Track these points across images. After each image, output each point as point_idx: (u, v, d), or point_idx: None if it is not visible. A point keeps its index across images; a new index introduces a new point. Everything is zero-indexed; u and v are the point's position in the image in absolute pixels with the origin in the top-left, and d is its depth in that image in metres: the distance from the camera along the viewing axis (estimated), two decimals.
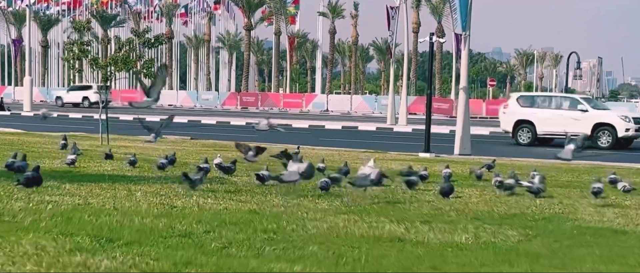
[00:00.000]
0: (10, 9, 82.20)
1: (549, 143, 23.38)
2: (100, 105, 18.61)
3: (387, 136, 28.42)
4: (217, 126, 34.27)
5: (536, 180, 9.45)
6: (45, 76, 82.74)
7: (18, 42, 74.27)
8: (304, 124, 33.18)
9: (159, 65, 11.09)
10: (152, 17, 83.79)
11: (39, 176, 7.61)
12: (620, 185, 9.67)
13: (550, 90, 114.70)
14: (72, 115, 35.91)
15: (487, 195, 9.48)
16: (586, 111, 23.70)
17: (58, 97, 56.27)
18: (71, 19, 79.79)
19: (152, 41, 19.47)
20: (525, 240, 6.16)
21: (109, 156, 12.10)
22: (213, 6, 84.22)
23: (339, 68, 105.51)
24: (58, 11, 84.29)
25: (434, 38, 25.96)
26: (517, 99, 25.87)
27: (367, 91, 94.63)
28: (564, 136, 11.86)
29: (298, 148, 15.31)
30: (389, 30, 42.95)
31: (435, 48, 57.03)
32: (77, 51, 19.44)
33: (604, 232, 6.70)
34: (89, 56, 19.42)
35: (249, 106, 59.54)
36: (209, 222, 6.31)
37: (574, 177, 12.69)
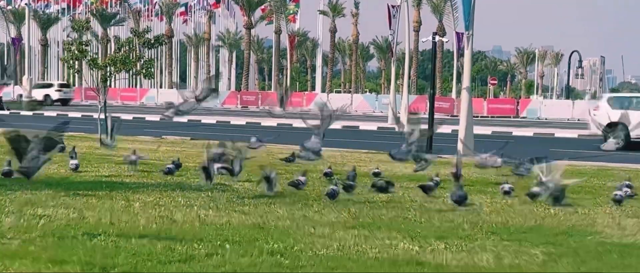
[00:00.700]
0: (10, 7, 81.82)
1: None
2: (100, 105, 18.25)
3: (389, 136, 28.07)
4: (217, 125, 33.92)
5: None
6: (45, 74, 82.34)
7: (17, 40, 73.90)
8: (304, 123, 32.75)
9: (208, 76, 10.71)
10: (152, 16, 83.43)
11: None
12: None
13: (551, 89, 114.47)
14: (71, 114, 35.56)
15: (497, 202, 9.15)
16: None
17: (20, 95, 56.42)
18: (71, 17, 79.48)
19: (152, 41, 19.13)
20: (549, 260, 5.78)
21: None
22: (213, 4, 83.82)
23: (339, 66, 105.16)
24: (57, 10, 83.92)
25: (437, 38, 25.67)
26: (608, 100, 24.25)
27: (368, 90, 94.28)
28: None
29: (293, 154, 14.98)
30: (390, 29, 42.63)
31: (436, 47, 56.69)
32: (75, 51, 19.13)
33: (630, 251, 6.34)
34: (88, 56, 19.11)
35: (249, 105, 59.15)
36: (211, 241, 5.88)
37: (583, 181, 12.33)
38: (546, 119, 45.68)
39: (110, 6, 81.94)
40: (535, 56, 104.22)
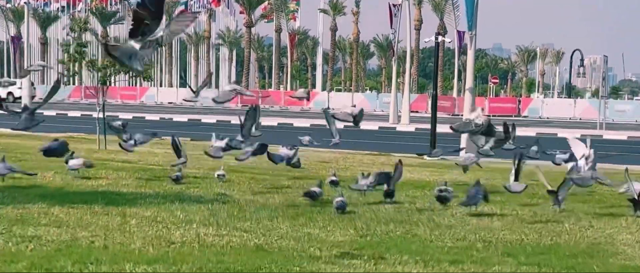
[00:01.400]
0: (9, 5, 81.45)
1: None
2: (98, 108, 17.93)
3: (390, 136, 27.74)
4: (218, 125, 33.57)
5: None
6: (44, 72, 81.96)
7: (17, 39, 73.51)
8: (305, 123, 32.47)
9: (250, 108, 10.35)
10: None
11: None
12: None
13: (552, 87, 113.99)
14: (70, 114, 35.23)
15: (507, 214, 8.81)
16: None
17: None
18: (70, 15, 79.11)
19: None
20: None
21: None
22: (213, 2, 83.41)
23: (340, 65, 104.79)
24: (57, 8, 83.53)
25: (440, 38, 25.34)
26: None
27: (368, 88, 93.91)
28: None
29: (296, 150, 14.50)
30: (391, 28, 42.39)
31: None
32: (74, 53, 18.89)
33: None
34: (86, 58, 18.83)
35: (250, 103, 58.71)
36: (212, 269, 5.52)
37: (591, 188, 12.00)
38: (548, 118, 45.38)
39: (110, 4, 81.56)
40: (536, 54, 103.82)
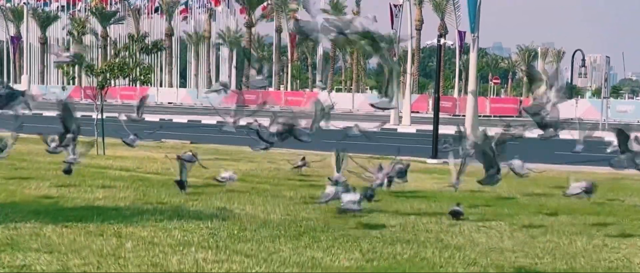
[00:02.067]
0: (9, 5, 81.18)
1: None
2: (96, 112, 17.65)
3: (391, 138, 27.42)
4: (218, 127, 33.27)
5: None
6: (44, 73, 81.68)
7: (16, 39, 73.34)
8: (306, 123, 32.05)
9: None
10: (152, 13, 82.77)
11: None
12: None
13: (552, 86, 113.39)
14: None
15: (516, 230, 8.52)
16: None
17: None
18: (70, 15, 78.84)
19: (150, 46, 18.51)
20: None
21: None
22: (213, 1, 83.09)
23: (340, 63, 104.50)
24: (57, 7, 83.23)
25: (442, 40, 25.06)
26: None
27: (368, 87, 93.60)
28: None
29: (303, 158, 14.24)
30: (392, 28, 42.16)
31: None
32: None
33: None
34: (84, 63, 18.56)
35: (250, 104, 58.40)
36: None
37: (599, 195, 11.72)
38: (549, 118, 45.02)
39: (110, 4, 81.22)
40: (537, 53, 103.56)
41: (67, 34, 63.14)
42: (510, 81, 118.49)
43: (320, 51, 79.42)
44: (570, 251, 7.47)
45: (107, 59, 18.12)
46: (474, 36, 21.29)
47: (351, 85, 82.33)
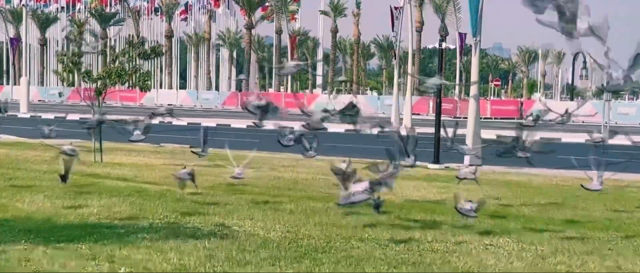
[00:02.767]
0: (8, 6, 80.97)
1: None
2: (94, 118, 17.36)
3: (393, 141, 27.10)
4: (218, 129, 32.97)
5: None
6: (44, 74, 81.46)
7: (16, 40, 72.98)
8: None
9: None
10: (152, 14, 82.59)
11: None
12: None
13: (552, 87, 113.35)
14: (69, 117, 34.54)
15: (525, 248, 8.24)
16: None
17: None
18: (69, 16, 78.62)
19: (148, 52, 18.22)
20: None
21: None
22: (214, 3, 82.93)
23: (340, 64, 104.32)
24: (57, 8, 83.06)
25: (444, 45, 24.83)
26: None
27: (369, 88, 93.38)
28: None
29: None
30: (392, 31, 41.98)
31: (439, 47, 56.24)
32: (69, 63, 18.48)
33: None
34: (82, 68, 18.33)
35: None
36: None
37: (606, 206, 11.49)
38: (550, 121, 44.72)
39: (110, 5, 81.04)
40: (537, 55, 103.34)
41: (65, 37, 62.89)
42: (510, 82, 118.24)
43: (320, 52, 79.21)
44: (583, 271, 7.20)
45: (106, 62, 17.87)
46: (475, 40, 20.97)
47: (352, 86, 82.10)
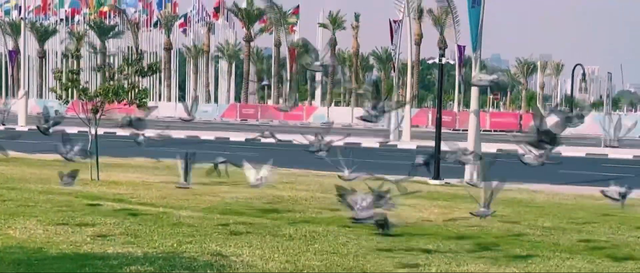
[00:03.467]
0: (7, 19, 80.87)
1: None
2: (91, 137, 17.21)
3: (392, 155, 26.94)
4: (216, 142, 32.80)
5: None
6: (42, 87, 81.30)
7: (14, 53, 72.78)
8: (305, 139, 31.49)
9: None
10: (150, 27, 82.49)
11: None
12: None
13: (551, 98, 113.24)
14: (68, 130, 34.30)
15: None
16: None
17: None
18: (68, 29, 78.49)
19: (145, 69, 18.03)
20: None
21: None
22: (212, 14, 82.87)
23: (339, 76, 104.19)
24: (56, 20, 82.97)
25: (444, 60, 24.61)
26: None
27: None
28: None
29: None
30: (392, 44, 41.90)
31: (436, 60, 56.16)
32: (65, 81, 18.42)
33: None
34: (79, 85, 18.22)
35: (248, 118, 58.20)
36: None
37: (613, 228, 11.27)
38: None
39: (109, 18, 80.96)
40: (536, 66, 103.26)
41: (65, 48, 62.70)
42: (509, 94, 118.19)
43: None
44: None
45: (105, 76, 17.75)
46: (475, 55, 20.83)
47: (350, 97, 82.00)
